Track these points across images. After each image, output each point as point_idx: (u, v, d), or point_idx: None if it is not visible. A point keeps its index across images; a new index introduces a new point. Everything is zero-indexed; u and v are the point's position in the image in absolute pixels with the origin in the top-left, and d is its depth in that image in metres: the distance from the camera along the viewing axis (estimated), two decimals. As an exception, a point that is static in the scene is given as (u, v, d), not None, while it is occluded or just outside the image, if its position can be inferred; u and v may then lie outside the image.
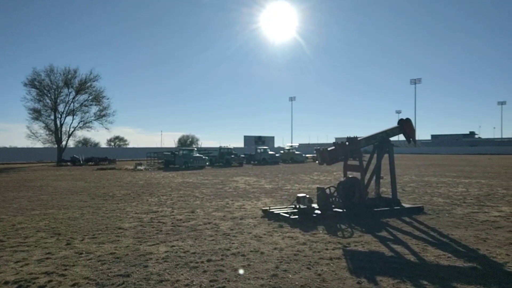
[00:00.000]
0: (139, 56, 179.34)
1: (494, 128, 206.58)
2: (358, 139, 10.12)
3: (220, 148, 41.18)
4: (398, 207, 10.10)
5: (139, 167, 32.12)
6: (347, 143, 9.97)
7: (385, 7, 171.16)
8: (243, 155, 42.00)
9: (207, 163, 36.03)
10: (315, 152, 10.67)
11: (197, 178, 22.09)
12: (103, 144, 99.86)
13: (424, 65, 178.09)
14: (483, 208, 10.64)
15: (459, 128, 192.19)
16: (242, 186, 17.19)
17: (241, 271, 5.33)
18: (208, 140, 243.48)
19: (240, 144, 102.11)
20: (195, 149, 41.87)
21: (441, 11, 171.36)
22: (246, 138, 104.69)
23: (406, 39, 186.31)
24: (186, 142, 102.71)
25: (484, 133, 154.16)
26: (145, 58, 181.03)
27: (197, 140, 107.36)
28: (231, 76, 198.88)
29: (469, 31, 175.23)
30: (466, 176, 22.07)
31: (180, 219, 9.31)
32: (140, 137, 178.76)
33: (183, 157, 34.20)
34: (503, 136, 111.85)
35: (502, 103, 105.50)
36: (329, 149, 9.91)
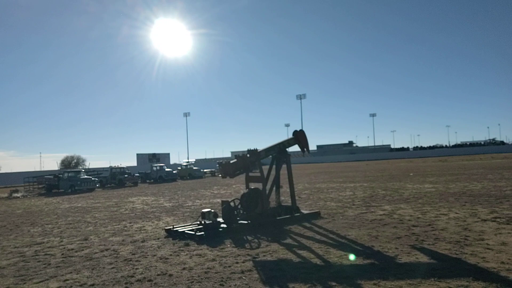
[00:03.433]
0: (12, 74, 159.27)
1: (368, 137, 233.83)
2: (258, 151, 10.36)
3: (111, 168, 38.50)
4: (298, 214, 10.57)
5: (15, 194, 28.22)
6: (248, 155, 10.13)
7: (270, 29, 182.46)
8: (137, 174, 39.98)
9: (97, 185, 33.40)
10: (217, 166, 10.62)
11: (87, 202, 20.21)
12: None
13: (307, 81, 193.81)
14: (370, 208, 11.75)
15: (340, 138, 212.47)
16: (140, 207, 16.24)
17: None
18: (96, 160, 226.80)
19: (133, 162, 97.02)
20: (83, 170, 38.47)
21: (318, 30, 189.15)
22: (139, 156, 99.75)
23: (291, 58, 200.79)
24: (70, 164, 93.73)
25: (360, 142, 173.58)
26: (19, 75, 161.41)
27: (83, 160, 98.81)
28: (119, 92, 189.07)
29: (341, 50, 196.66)
30: (351, 181, 24.30)
31: (72, 249, 8.32)
32: (15, 160, 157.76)
33: (68, 180, 31.10)
34: (376, 144, 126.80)
35: (373, 115, 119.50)
36: (231, 162, 9.95)
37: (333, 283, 5.06)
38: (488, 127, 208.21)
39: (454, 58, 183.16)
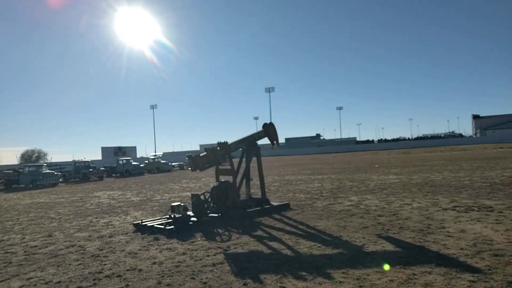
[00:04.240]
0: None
1: (335, 130, 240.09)
2: (229, 144, 10.33)
3: (75, 162, 37.27)
4: (268, 206, 10.66)
5: (-30, 191, 26.81)
6: (218, 148, 10.08)
7: (239, 22, 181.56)
8: (103, 168, 38.94)
9: (61, 180, 32.27)
10: (186, 159, 10.52)
11: (50, 197, 19.50)
12: None
13: (276, 75, 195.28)
14: (337, 199, 12.03)
15: (308, 131, 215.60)
16: (106, 201, 15.84)
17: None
18: (59, 154, 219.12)
19: (98, 156, 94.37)
20: (45, 164, 37.03)
21: (288, 24, 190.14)
22: (104, 150, 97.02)
23: (260, 52, 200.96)
24: (31, 158, 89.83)
25: (327, 135, 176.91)
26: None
27: (45, 154, 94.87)
28: (83, 83, 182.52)
29: (310, 44, 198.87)
30: (319, 173, 24.73)
31: (35, 246, 8.02)
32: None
33: (29, 174, 29.86)
34: (342, 137, 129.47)
35: (340, 108, 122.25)
36: (201, 155, 9.88)
37: (304, 273, 5.16)
38: (448, 121, 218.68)
39: (418, 54, 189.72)
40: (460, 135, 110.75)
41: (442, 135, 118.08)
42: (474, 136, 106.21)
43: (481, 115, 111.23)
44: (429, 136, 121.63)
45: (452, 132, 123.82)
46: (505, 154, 32.39)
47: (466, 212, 8.66)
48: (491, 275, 4.64)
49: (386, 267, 5.06)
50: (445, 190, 12.62)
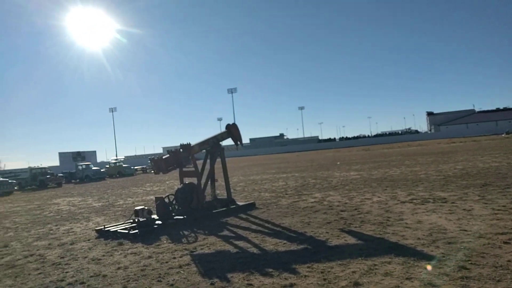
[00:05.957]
0: None
1: (297, 129, 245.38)
2: (192, 145, 10.28)
3: (31, 168, 35.58)
4: (234, 206, 10.71)
5: None
6: (181, 150, 10.01)
7: (199, 25, 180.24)
8: (61, 174, 37.47)
9: (16, 188, 30.71)
10: (149, 162, 10.36)
11: (4, 207, 18.53)
12: None
13: (238, 76, 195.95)
14: (302, 196, 12.27)
15: (271, 130, 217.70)
16: (66, 208, 15.27)
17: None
18: (13, 161, 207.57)
19: (55, 162, 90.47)
20: (-3, 172, 35.08)
21: (247, 27, 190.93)
22: (62, 155, 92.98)
23: (221, 53, 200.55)
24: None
25: (290, 134, 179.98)
26: None
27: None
28: (36, 87, 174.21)
29: (274, 47, 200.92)
30: (283, 171, 25.06)
31: (-10, 258, 7.62)
32: None
33: (-20, 183, 28.19)
34: (305, 136, 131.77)
35: (301, 108, 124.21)
36: (164, 157, 9.76)
37: (270, 270, 5.26)
38: (404, 118, 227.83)
39: (375, 55, 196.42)
40: (416, 131, 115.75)
41: (400, 132, 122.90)
42: (429, 132, 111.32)
43: (435, 112, 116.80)
44: (387, 133, 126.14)
45: (409, 128, 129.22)
46: (457, 148, 34.24)
47: (422, 204, 9.11)
48: (445, 261, 4.94)
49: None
50: (402, 184, 13.19)
